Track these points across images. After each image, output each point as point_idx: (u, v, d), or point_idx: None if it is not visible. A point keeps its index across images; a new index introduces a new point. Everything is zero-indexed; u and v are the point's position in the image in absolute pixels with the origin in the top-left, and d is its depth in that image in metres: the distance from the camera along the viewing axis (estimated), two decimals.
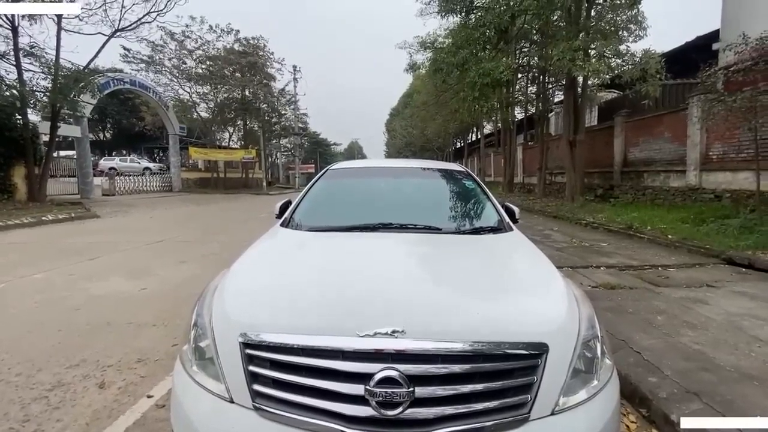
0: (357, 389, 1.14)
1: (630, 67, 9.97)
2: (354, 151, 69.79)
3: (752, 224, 6.18)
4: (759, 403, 2.02)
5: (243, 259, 1.86)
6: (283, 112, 30.99)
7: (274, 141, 36.89)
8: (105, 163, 25.81)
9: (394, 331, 1.21)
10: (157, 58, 22.38)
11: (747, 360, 2.44)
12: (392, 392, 1.11)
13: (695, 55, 9.46)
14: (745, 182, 7.16)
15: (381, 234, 2.19)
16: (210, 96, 25.63)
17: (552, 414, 1.19)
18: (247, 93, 27.19)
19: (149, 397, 2.23)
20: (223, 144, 30.54)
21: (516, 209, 2.83)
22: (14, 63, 11.96)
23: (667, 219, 7.61)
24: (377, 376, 1.13)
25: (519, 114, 20.46)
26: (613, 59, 9.97)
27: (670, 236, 6.46)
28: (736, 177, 7.76)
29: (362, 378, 1.14)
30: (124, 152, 31.04)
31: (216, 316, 1.39)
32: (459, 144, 35.14)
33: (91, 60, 14.08)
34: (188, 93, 25.13)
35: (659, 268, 4.78)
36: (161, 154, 33.79)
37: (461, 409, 1.14)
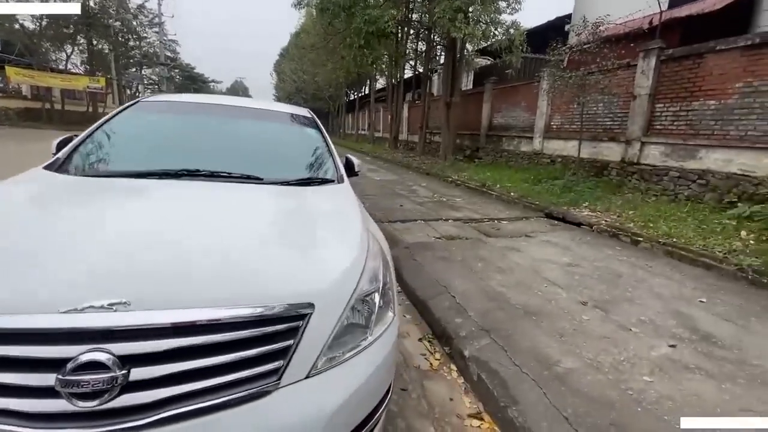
0: (46, 379, 0.90)
1: (501, 36, 10.68)
2: (237, 92, 62.76)
3: (572, 185, 7.44)
4: (529, 332, 2.41)
5: None
6: (143, 35, 25.69)
7: (134, 69, 30.77)
8: None
9: (112, 304, 0.97)
10: None
11: (534, 299, 2.90)
12: (92, 379, 0.90)
13: (553, 33, 10.56)
14: (573, 149, 8.51)
15: (178, 183, 1.85)
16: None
17: (307, 377, 1.13)
18: (91, 3, 21.60)
19: None
20: (59, 67, 24.22)
21: (357, 162, 2.75)
22: None
23: (513, 179, 8.69)
24: (78, 361, 0.90)
25: (408, 72, 20.72)
26: (489, 26, 10.53)
27: (512, 193, 7.40)
28: (566, 145, 9.18)
29: (56, 365, 0.90)
30: None
31: None
32: (353, 96, 34.31)
33: None
34: None
35: (495, 221, 5.42)
36: None
37: (192, 386, 0.99)
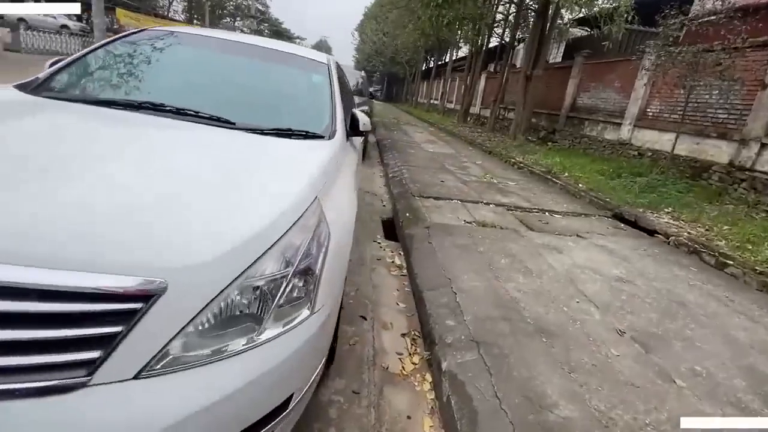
0: None
1: (604, 2, 9.08)
2: (321, 51, 63.28)
3: (657, 184, 6.26)
4: (530, 356, 1.92)
5: None
6: None
7: (227, 20, 32.32)
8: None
9: None
10: None
11: (554, 314, 2.35)
12: None
13: (670, 2, 8.73)
14: (668, 144, 7.14)
15: (132, 116, 1.63)
16: None
17: (135, 378, 0.84)
18: None
19: None
20: (161, 12, 26.17)
21: (363, 120, 2.35)
22: None
23: (587, 169, 7.58)
24: None
25: (494, 42, 18.97)
26: None
27: (580, 185, 6.44)
28: (661, 137, 7.73)
29: None
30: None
31: None
32: (432, 63, 32.69)
33: None
34: None
35: (546, 213, 4.70)
36: (86, 15, 28.45)
37: None
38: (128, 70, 2.09)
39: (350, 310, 2.36)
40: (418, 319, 2.37)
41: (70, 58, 2.09)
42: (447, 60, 26.29)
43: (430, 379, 1.90)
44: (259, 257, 1.04)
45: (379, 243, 3.51)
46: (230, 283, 0.97)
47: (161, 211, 1.03)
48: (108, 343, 0.83)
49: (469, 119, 18.40)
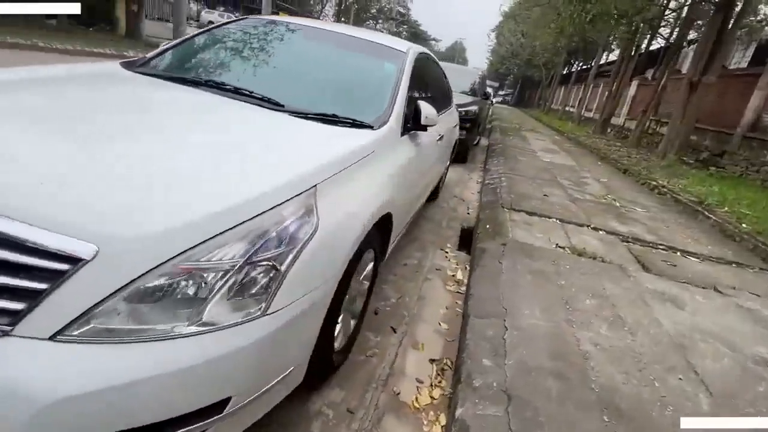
0: None
1: None
2: (455, 52, 62.90)
3: None
4: None
5: None
6: None
7: (369, 23, 34.53)
8: (206, 15, 26.55)
9: None
10: None
11: (635, 387, 1.76)
12: None
13: None
14: None
15: (192, 91, 1.74)
16: None
17: (51, 339, 0.82)
18: None
19: None
20: (314, 15, 29.31)
21: (427, 113, 2.10)
22: None
23: (760, 206, 5.80)
24: None
25: (657, 43, 16.00)
26: None
27: (743, 225, 4.94)
28: None
29: None
30: (229, 7, 31.44)
31: None
32: (576, 67, 29.29)
33: None
34: None
35: (678, 253, 3.68)
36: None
37: None
38: (210, 53, 2.26)
39: (383, 317, 2.17)
40: (459, 347, 2.05)
41: (174, 41, 2.36)
42: (593, 64, 23.30)
43: (444, 423, 1.60)
44: (208, 239, 0.95)
45: (447, 252, 3.20)
46: (165, 261, 0.89)
47: (136, 181, 1.02)
48: (33, 298, 0.83)
49: (608, 131, 16.02)
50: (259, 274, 1.01)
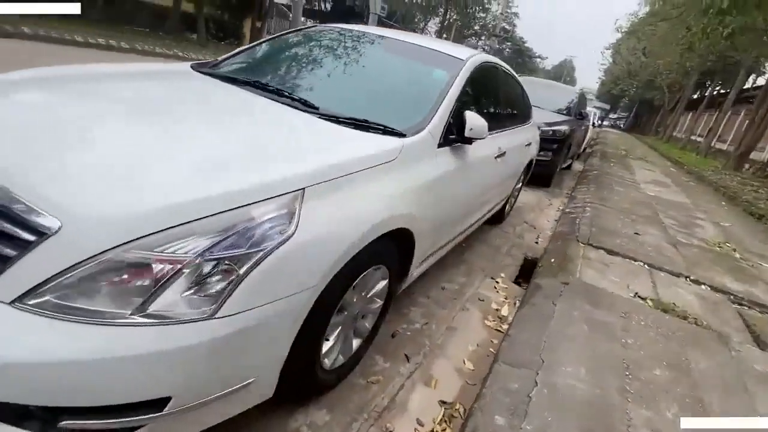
0: None
1: None
2: (563, 71, 58.57)
3: None
4: None
5: None
6: (487, 5, 27.68)
7: (472, 39, 34.25)
8: None
9: None
10: None
11: None
12: None
13: None
14: None
15: (236, 90, 1.82)
16: None
17: (10, 303, 0.87)
18: None
19: None
20: (416, 31, 30.09)
21: (474, 124, 1.91)
22: None
23: None
24: None
25: None
26: None
27: None
28: None
29: None
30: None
31: None
32: (716, 90, 24.85)
33: None
34: None
35: None
36: None
37: None
38: (269, 57, 2.37)
39: (399, 342, 2.00)
40: (477, 393, 1.78)
41: (244, 47, 2.53)
42: (733, 87, 19.70)
43: None
44: (164, 229, 0.93)
45: (498, 282, 2.88)
46: (117, 246, 0.90)
47: (126, 165, 1.06)
48: (4, 263, 0.88)
49: (745, 166, 13.36)
50: (214, 273, 0.96)
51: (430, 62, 2.24)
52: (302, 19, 29.05)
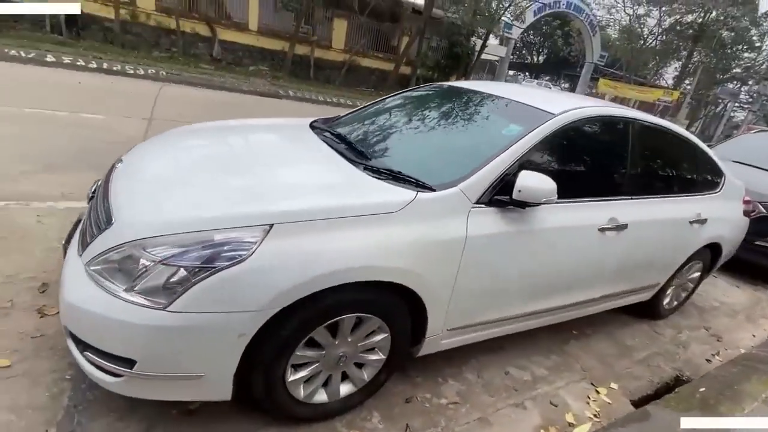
0: None
1: None
2: None
3: None
4: None
5: None
6: (757, 43, 21.45)
7: (731, 84, 27.04)
8: (525, 84, 29.10)
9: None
10: None
11: None
12: None
13: None
14: None
15: (316, 145, 2.09)
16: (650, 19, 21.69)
17: (85, 265, 1.36)
18: (714, 14, 20.61)
19: None
20: (646, 81, 25.98)
21: (526, 185, 1.63)
22: None
23: None
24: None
25: None
26: None
27: None
28: None
29: None
30: (546, 77, 33.06)
31: None
32: None
33: None
34: (630, 16, 22.23)
35: None
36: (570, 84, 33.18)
37: None
38: (364, 115, 2.61)
39: (410, 410, 1.84)
40: None
41: (356, 108, 2.87)
42: None
43: None
44: (152, 237, 1.29)
45: (597, 393, 2.22)
46: (125, 243, 1.30)
47: (164, 193, 1.54)
48: (91, 238, 1.45)
49: None
50: (173, 276, 1.23)
51: (513, 117, 2.06)
52: (510, 72, 29.72)
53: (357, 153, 1.96)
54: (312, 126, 2.43)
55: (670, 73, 27.33)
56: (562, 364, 2.38)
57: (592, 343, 2.66)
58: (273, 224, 1.32)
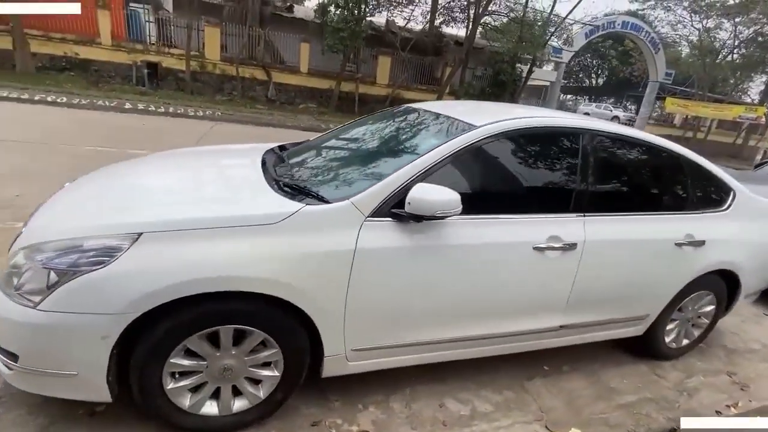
0: None
1: None
2: None
3: None
4: None
5: None
6: None
7: None
8: (583, 108, 27.65)
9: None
10: None
11: None
12: None
13: None
14: None
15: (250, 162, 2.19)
16: (721, 32, 19.78)
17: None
18: None
19: None
20: (725, 97, 23.38)
21: (419, 198, 1.55)
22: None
23: None
24: None
25: None
26: None
27: None
28: None
29: None
30: (608, 99, 31.16)
31: None
32: None
33: (570, 12, 15.23)
34: (699, 30, 20.45)
35: None
36: (635, 105, 30.80)
37: None
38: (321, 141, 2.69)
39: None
40: None
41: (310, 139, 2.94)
42: None
43: None
44: (40, 242, 1.46)
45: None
46: (26, 247, 1.47)
47: (82, 208, 1.71)
48: None
49: None
50: (45, 276, 1.36)
51: (438, 132, 2.01)
52: (567, 97, 28.25)
53: (279, 171, 2.03)
54: (273, 149, 2.53)
55: (754, 88, 24.34)
56: (514, 402, 2.13)
57: (563, 381, 2.35)
58: (142, 233, 1.41)
